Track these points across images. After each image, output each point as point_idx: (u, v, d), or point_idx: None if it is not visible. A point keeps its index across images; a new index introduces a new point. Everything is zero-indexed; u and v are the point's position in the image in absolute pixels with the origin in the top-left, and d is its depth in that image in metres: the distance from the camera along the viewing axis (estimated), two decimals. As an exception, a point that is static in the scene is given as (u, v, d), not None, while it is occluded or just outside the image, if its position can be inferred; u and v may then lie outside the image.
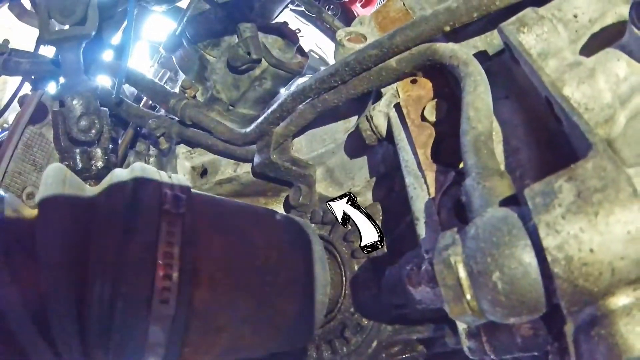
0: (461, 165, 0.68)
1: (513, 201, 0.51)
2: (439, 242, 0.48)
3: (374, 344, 0.87)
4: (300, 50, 1.30)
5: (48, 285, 0.61)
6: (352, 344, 0.88)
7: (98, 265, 0.61)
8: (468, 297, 0.43)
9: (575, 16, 0.69)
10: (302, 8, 1.55)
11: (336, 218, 0.94)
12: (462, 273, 0.43)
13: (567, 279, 0.38)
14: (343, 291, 0.90)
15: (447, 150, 0.71)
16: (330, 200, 0.97)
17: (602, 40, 0.68)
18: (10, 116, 2.06)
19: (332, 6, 1.94)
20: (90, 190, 0.72)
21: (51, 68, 1.33)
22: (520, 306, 0.41)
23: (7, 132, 1.70)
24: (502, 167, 0.65)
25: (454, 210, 0.64)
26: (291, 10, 1.90)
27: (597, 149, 0.42)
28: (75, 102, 1.07)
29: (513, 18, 0.69)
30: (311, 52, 2.29)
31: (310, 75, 1.30)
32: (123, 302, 0.60)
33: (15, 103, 1.54)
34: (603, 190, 0.38)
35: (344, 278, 0.90)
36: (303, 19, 1.89)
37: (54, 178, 0.68)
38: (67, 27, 1.12)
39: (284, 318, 0.74)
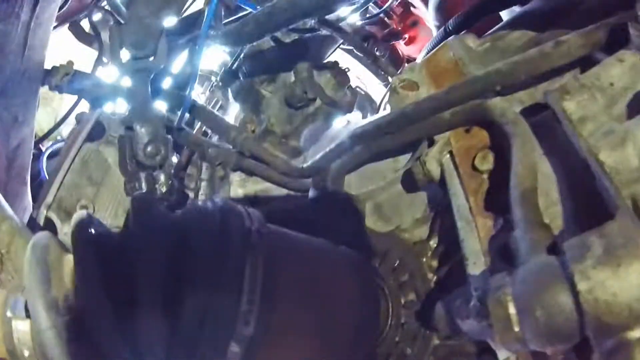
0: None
1: (552, 248, 0.67)
2: (491, 284, 0.63)
3: (416, 372, 1.01)
4: (350, 89, 1.47)
5: (142, 299, 0.72)
6: (395, 372, 1.03)
7: (192, 286, 0.73)
8: (516, 329, 0.59)
9: (612, 84, 0.83)
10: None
11: (385, 251, 1.09)
12: (512, 310, 0.59)
13: (594, 315, 0.53)
14: (389, 322, 1.04)
15: (494, 198, 0.87)
16: (378, 235, 1.13)
17: (636, 106, 0.83)
18: (64, 130, 2.27)
19: (379, 47, 2.14)
20: (173, 215, 0.87)
21: (112, 92, 1.52)
22: (557, 336, 0.56)
23: (61, 143, 1.88)
24: (544, 217, 0.80)
25: (501, 253, 0.79)
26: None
27: (623, 212, 0.58)
28: (143, 129, 1.25)
29: (557, 85, 0.85)
30: (357, 89, 2.48)
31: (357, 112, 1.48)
32: (213, 320, 0.72)
33: (69, 119, 1.74)
34: (625, 246, 0.53)
35: (390, 309, 1.05)
36: (350, 55, 2.09)
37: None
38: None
39: (342, 350, 0.88)
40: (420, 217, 1.11)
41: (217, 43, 1.30)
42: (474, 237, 0.84)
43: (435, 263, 1.05)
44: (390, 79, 2.22)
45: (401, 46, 2.42)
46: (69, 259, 0.79)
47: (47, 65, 1.55)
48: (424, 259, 1.06)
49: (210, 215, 0.82)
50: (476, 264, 0.83)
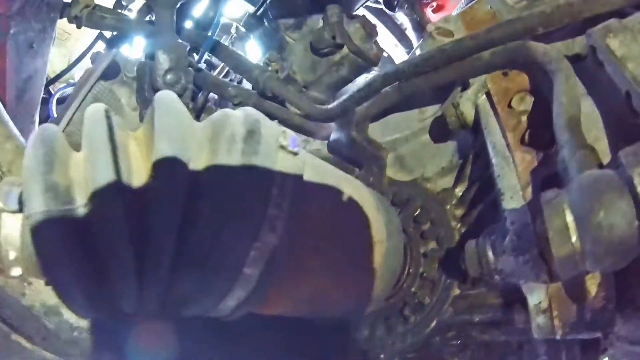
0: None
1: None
2: (542, 198, 0.61)
3: (433, 323, 0.99)
4: (377, 44, 1.45)
5: (153, 202, 0.64)
6: (410, 323, 1.00)
7: (211, 186, 0.67)
8: (573, 238, 0.56)
9: (652, 29, 0.82)
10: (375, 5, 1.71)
11: (407, 200, 1.07)
12: (569, 217, 0.56)
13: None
14: (407, 270, 1.02)
15: (533, 136, 0.85)
16: (400, 183, 1.10)
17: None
18: (77, 73, 2.24)
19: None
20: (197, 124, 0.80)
21: (133, 27, 1.49)
22: (618, 246, 0.54)
23: (74, 86, 1.86)
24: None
25: (540, 187, 0.77)
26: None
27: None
28: (165, 55, 1.21)
29: (600, 25, 0.83)
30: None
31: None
32: (234, 224, 0.66)
33: (83, 62, 1.72)
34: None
35: (408, 257, 1.02)
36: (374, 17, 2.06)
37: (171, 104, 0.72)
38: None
39: (364, 278, 0.85)
40: (445, 166, 1.09)
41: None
42: (512, 171, 0.82)
43: (460, 211, 1.03)
44: (415, 42, 2.21)
45: (429, 13, 2.40)
46: (78, 156, 0.70)
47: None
48: (448, 207, 1.03)
49: (240, 120, 0.77)
50: (513, 197, 0.80)
